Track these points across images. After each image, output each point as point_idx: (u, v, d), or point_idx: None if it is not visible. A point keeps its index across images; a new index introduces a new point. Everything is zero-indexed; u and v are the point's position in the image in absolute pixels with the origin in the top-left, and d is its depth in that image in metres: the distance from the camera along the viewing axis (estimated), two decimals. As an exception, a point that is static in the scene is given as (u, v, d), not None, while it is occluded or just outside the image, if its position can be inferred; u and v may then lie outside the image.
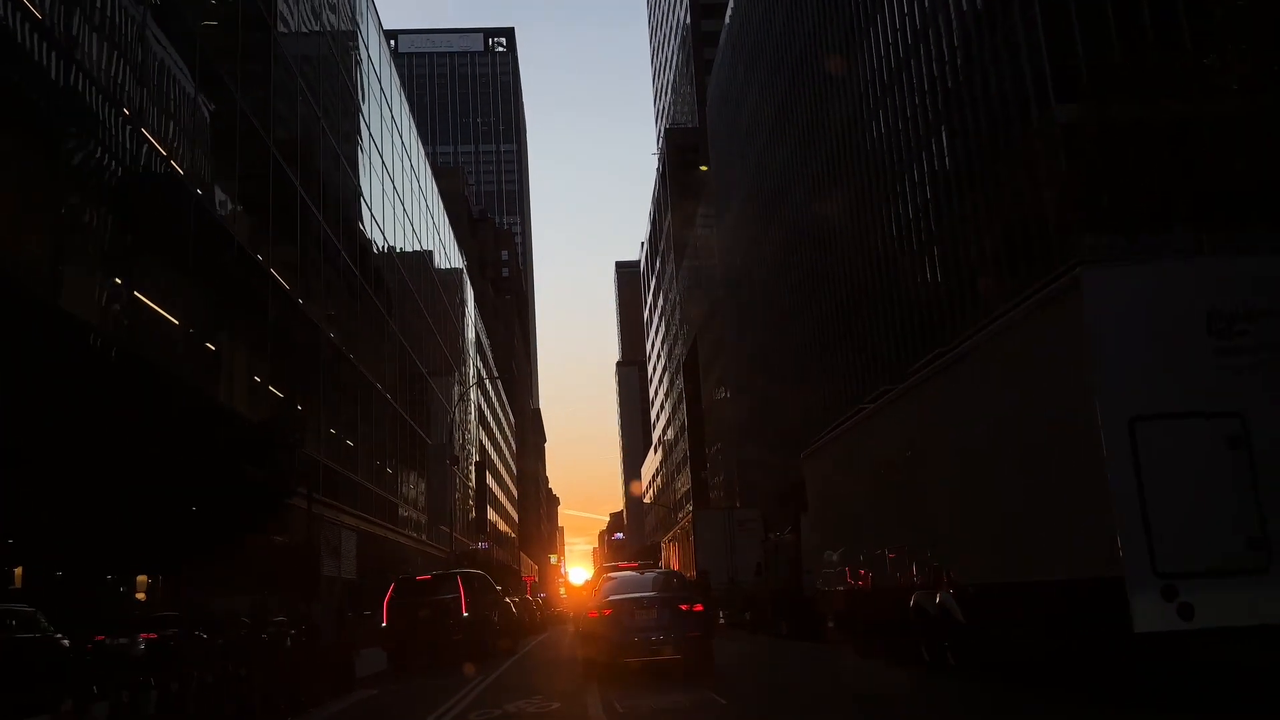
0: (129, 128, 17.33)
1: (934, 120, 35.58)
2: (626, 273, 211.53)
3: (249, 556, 20.21)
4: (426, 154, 55.91)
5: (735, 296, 74.22)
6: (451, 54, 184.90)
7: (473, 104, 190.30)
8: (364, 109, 37.84)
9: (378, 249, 38.88)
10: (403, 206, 44.07)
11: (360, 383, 34.74)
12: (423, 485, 45.89)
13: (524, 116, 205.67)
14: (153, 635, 18.53)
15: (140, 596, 22.44)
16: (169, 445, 13.82)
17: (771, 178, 60.91)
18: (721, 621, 25.26)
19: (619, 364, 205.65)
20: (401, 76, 50.97)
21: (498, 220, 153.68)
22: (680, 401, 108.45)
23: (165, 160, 18.74)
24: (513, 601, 31.60)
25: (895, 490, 12.75)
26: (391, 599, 18.13)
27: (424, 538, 45.16)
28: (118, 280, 16.95)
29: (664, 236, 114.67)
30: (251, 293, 23.92)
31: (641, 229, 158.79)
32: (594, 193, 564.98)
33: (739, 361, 73.58)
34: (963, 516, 10.66)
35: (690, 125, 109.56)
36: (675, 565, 42.87)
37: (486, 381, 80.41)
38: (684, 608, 13.18)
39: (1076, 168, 25.70)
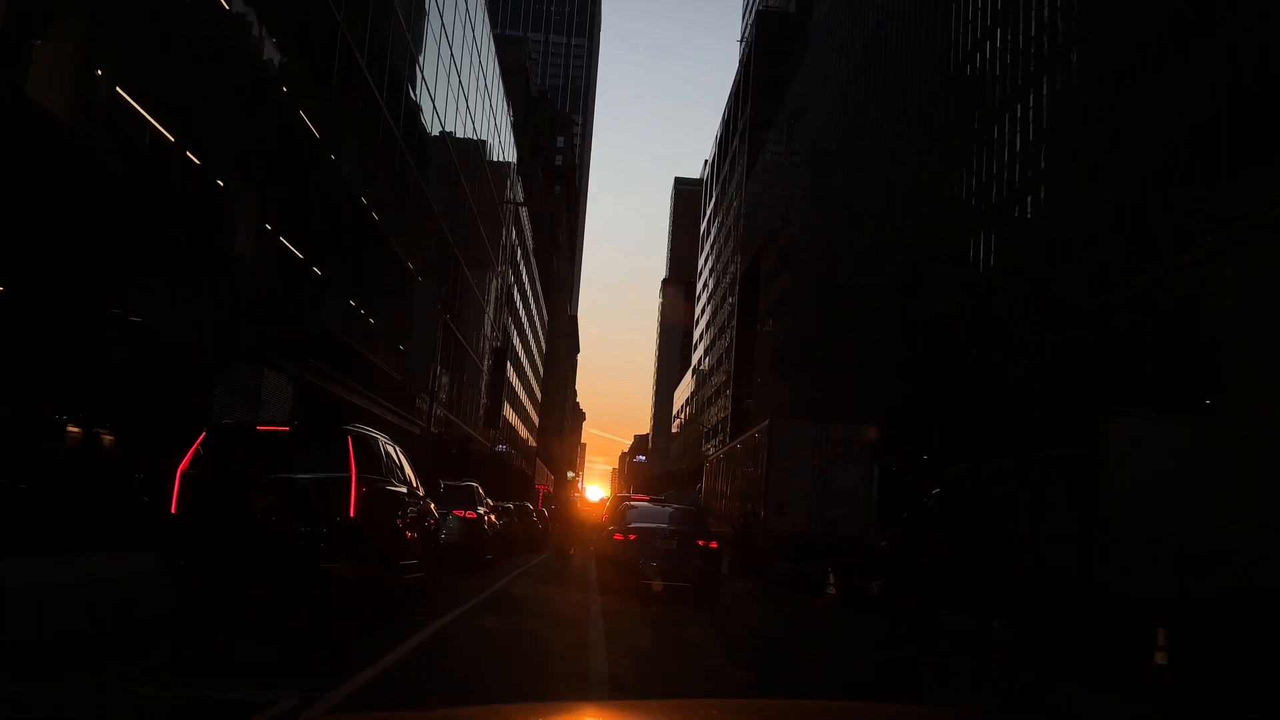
0: None
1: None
2: (685, 190, 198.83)
3: None
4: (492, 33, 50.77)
5: (830, 178, 62.77)
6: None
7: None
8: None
9: (421, 104, 33.01)
10: (459, 79, 39.91)
11: (350, 199, 25.10)
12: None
13: (600, 9, 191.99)
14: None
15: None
16: None
17: (894, 40, 49.13)
18: (831, 590, 14.96)
19: (665, 281, 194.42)
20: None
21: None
22: (731, 319, 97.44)
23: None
24: (494, 507, 21.77)
25: None
26: (193, 463, 7.96)
27: (408, 414, 35.22)
28: None
29: (738, 135, 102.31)
30: None
31: (705, 147, 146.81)
32: (657, 110, 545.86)
33: (820, 269, 62.39)
34: None
35: (787, 10, 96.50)
36: (725, 494, 32.91)
37: (518, 256, 70.09)
38: (700, 543, 13.93)
39: None
